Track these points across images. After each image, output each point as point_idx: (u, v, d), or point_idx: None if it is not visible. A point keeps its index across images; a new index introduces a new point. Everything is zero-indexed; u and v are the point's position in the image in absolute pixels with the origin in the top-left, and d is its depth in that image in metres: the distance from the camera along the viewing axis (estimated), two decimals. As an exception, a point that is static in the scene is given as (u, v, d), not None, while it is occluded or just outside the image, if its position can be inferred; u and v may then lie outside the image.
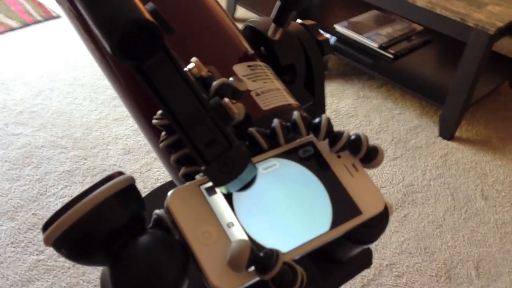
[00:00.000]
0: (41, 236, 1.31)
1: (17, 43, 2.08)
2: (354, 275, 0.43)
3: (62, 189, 1.44)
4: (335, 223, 0.36)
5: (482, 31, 1.49)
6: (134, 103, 0.48)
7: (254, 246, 0.32)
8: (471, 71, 1.57)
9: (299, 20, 0.56)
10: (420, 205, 1.51)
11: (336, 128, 1.77)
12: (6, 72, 1.90)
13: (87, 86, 1.87)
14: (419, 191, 1.55)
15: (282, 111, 0.44)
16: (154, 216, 0.35)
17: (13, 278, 1.21)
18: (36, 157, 1.54)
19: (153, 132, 0.46)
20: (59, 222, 0.32)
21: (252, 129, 0.38)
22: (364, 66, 1.85)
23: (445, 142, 1.75)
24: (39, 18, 2.24)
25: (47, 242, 0.32)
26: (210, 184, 0.35)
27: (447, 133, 1.74)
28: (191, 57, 0.40)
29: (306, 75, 0.55)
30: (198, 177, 0.36)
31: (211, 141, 0.34)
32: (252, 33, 0.54)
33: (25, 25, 2.19)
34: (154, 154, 1.60)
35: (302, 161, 0.38)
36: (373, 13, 2.13)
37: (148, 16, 0.31)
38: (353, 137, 0.39)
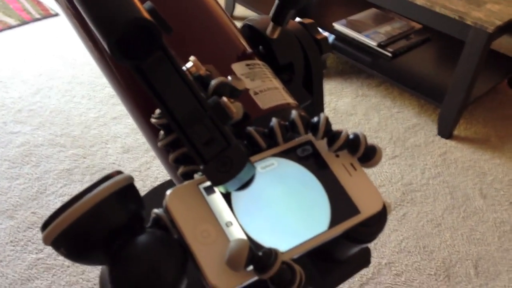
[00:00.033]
0: (40, 235, 1.31)
1: (15, 41, 2.07)
2: (352, 274, 0.43)
3: (61, 187, 1.44)
4: (334, 222, 0.36)
5: (481, 30, 1.49)
6: (133, 102, 0.48)
7: (252, 245, 0.32)
8: (470, 69, 1.57)
9: (297, 19, 0.56)
10: (419, 203, 1.51)
11: (335, 126, 1.77)
12: (4, 70, 1.90)
13: (86, 84, 1.87)
14: (418, 190, 1.56)
15: (281, 110, 0.44)
16: (153, 215, 0.35)
17: (12, 276, 1.21)
18: (35, 156, 1.54)
19: (151, 131, 0.46)
20: (58, 221, 0.32)
21: (250, 128, 0.38)
22: (362, 65, 1.85)
23: (443, 140, 1.75)
24: (37, 16, 2.23)
25: (46, 241, 0.32)
26: (208, 183, 0.35)
27: (446, 131, 1.74)
28: (189, 56, 0.39)
29: (305, 74, 0.55)
30: (196, 176, 0.36)
31: (209, 140, 0.34)
32: (251, 31, 0.54)
33: (24, 23, 2.18)
34: (153, 153, 1.60)
35: (301, 160, 0.38)
36: (371, 11, 2.13)
37: (146, 15, 0.31)
38: (351, 136, 0.39)
